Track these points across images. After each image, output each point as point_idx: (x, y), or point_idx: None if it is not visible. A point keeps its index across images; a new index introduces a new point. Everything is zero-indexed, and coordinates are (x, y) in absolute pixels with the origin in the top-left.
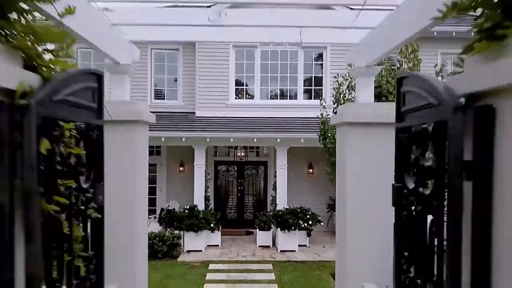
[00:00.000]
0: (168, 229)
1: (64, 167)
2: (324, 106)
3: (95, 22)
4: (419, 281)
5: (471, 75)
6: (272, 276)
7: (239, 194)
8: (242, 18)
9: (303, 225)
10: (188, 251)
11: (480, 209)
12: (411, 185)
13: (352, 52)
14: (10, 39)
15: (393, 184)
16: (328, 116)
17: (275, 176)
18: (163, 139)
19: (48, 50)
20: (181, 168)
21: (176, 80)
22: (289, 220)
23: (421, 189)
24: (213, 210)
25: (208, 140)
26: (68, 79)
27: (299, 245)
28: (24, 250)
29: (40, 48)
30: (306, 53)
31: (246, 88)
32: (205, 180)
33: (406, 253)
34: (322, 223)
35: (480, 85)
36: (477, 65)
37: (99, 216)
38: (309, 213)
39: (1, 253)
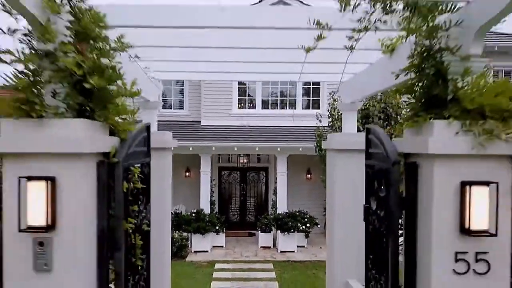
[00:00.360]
0: (177, 232)
1: (132, 197)
2: (320, 120)
3: (137, 73)
4: (377, 276)
5: (406, 140)
6: (273, 274)
7: (241, 198)
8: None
9: (301, 228)
10: (195, 252)
11: (409, 228)
12: (374, 207)
13: (340, 90)
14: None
15: (364, 205)
16: (325, 129)
17: (275, 182)
18: (172, 148)
19: (122, 118)
20: (187, 174)
21: (182, 91)
22: (288, 223)
23: (379, 211)
24: (217, 212)
25: (213, 149)
26: (135, 137)
27: (298, 246)
28: (112, 255)
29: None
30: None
31: (248, 99)
32: (210, 185)
33: (371, 256)
34: (319, 226)
35: (409, 149)
36: (408, 134)
37: (149, 229)
38: (307, 216)
39: (102, 257)
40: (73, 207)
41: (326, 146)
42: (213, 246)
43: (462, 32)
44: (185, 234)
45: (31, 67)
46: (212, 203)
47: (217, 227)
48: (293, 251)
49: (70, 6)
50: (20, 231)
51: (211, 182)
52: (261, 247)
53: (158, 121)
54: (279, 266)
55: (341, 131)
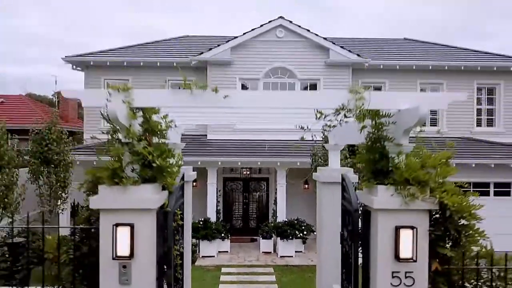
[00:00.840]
0: None
1: (175, 230)
2: (315, 141)
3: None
4: (347, 285)
5: (363, 195)
6: (273, 278)
7: (244, 206)
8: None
9: (299, 235)
10: (203, 257)
11: (365, 254)
12: (345, 235)
13: (328, 135)
14: (161, 181)
15: (340, 232)
16: (319, 148)
17: (275, 193)
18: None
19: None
20: (194, 184)
21: None
22: (287, 230)
23: (348, 239)
24: (222, 220)
25: (220, 163)
26: (177, 188)
27: (295, 251)
28: (165, 272)
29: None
30: (302, 84)
31: None
32: (216, 196)
33: (344, 270)
34: (315, 233)
35: (364, 201)
36: (365, 190)
37: (183, 251)
38: (304, 224)
39: (160, 274)
40: (143, 242)
41: (316, 178)
42: (219, 251)
43: (396, 128)
44: (194, 240)
45: (120, 155)
46: (217, 212)
47: (222, 234)
48: (292, 256)
49: (143, 113)
50: (113, 259)
51: (217, 192)
52: (262, 252)
53: None
54: (279, 270)
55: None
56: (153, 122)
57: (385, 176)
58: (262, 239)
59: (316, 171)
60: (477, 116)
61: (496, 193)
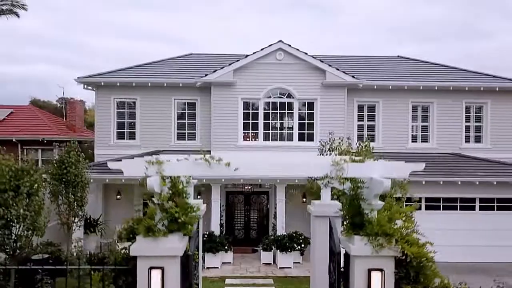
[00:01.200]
0: None
1: (194, 267)
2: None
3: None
4: None
5: (345, 241)
6: None
7: (246, 218)
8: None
9: (297, 247)
10: (208, 268)
11: (346, 285)
12: (331, 269)
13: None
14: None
15: (328, 264)
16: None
17: (275, 207)
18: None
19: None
20: (198, 197)
21: (194, 125)
22: (286, 243)
23: (332, 272)
24: (224, 232)
25: (223, 180)
26: (195, 232)
27: (294, 263)
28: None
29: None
30: (300, 103)
31: (252, 132)
32: (220, 211)
33: None
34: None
35: (345, 247)
36: (346, 237)
37: (198, 282)
38: (302, 237)
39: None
40: (171, 281)
41: (309, 210)
42: (223, 263)
43: (369, 191)
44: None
45: (154, 214)
46: (221, 225)
47: (226, 247)
48: (290, 267)
49: (171, 180)
50: None
51: (220, 207)
52: (263, 263)
53: (174, 150)
54: (279, 281)
55: None
56: (179, 186)
57: (361, 228)
58: (263, 251)
59: (311, 187)
60: (465, 133)
61: (482, 208)
